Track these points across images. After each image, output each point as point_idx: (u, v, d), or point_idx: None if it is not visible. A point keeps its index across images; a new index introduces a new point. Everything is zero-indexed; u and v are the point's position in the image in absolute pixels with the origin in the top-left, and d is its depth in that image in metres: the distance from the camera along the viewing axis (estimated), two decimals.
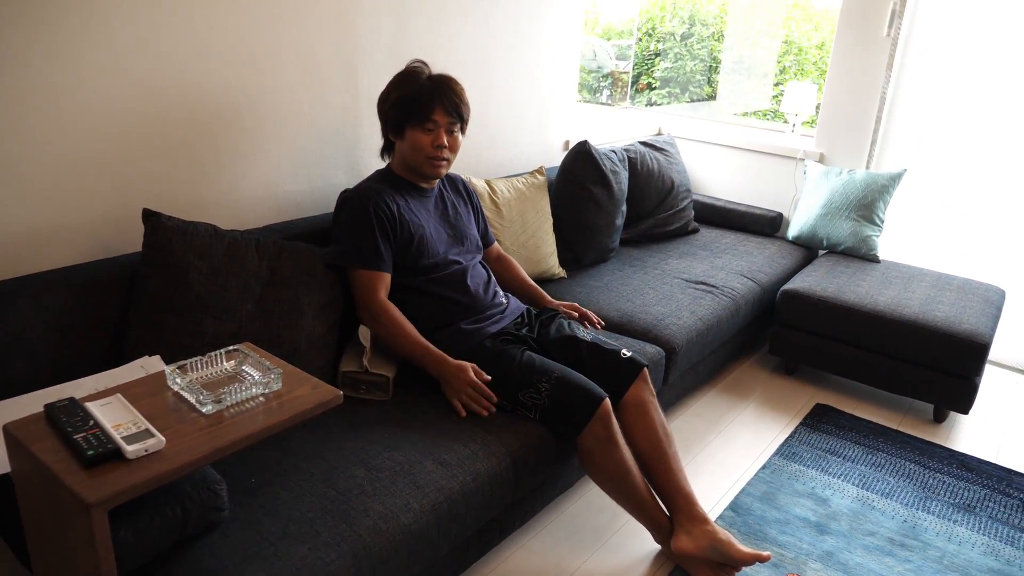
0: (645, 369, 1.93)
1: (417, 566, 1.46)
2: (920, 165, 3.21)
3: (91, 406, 1.23)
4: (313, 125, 2.16)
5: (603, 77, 5.47)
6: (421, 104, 1.85)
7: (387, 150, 2.01)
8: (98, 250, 1.74)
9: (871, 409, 2.71)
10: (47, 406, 1.23)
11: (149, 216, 1.66)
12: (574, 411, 1.75)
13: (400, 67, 2.32)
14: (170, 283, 1.63)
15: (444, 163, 1.94)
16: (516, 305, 2.08)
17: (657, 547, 1.90)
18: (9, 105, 1.51)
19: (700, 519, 1.81)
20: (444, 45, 2.50)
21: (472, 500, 1.56)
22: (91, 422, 1.19)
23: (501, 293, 2.08)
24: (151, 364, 1.55)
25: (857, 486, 2.21)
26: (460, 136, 1.94)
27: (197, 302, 1.65)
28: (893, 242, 3.29)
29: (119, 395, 1.28)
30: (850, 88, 3.22)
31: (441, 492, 1.51)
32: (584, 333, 2.01)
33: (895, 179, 3.08)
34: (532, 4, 2.84)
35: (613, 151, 2.99)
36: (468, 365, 1.79)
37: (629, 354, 1.95)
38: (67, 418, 1.20)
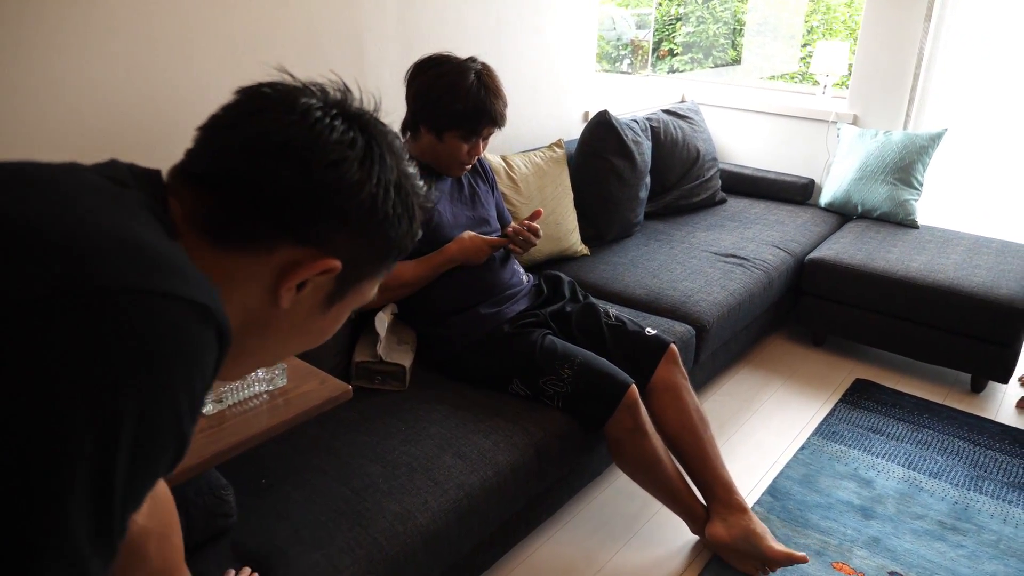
0: (672, 347, 1.82)
1: (437, 567, 1.38)
2: (961, 124, 3.03)
3: None
4: None
5: (623, 46, 5.29)
6: (475, 120, 1.74)
7: (410, 130, 1.87)
8: None
9: (913, 382, 2.58)
10: None
11: None
12: (599, 399, 1.65)
13: (409, 43, 2.23)
14: None
15: (470, 167, 1.88)
16: (531, 279, 1.99)
17: (694, 537, 1.81)
18: (9, 98, 1.43)
19: (738, 508, 1.71)
20: (454, 16, 2.38)
21: (494, 495, 1.48)
22: None
23: (520, 271, 1.99)
24: None
25: (903, 466, 2.09)
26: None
27: None
28: (933, 206, 3.12)
29: None
30: (885, 44, 3.03)
31: (461, 488, 1.42)
32: (608, 312, 1.91)
33: (935, 139, 2.91)
34: None
35: (635, 120, 2.86)
36: (473, 237, 1.80)
37: (654, 332, 1.85)
38: None
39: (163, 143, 1.73)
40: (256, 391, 1.25)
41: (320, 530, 1.27)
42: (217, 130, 0.62)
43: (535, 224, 1.85)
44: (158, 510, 0.89)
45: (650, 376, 1.80)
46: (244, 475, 1.38)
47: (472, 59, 1.78)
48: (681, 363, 1.83)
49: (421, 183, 0.69)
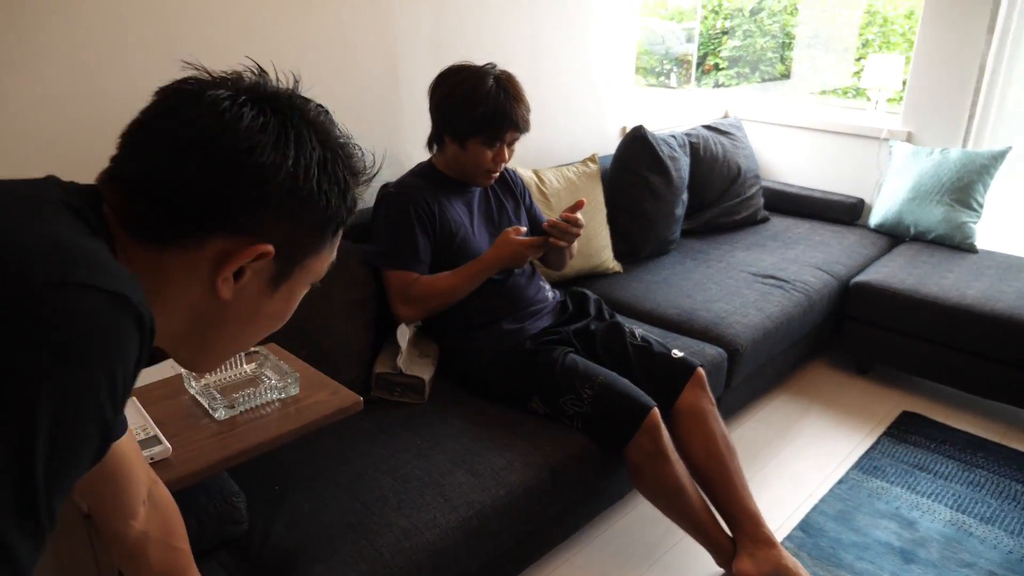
0: (700, 371, 1.76)
1: None
2: None
3: None
4: (349, 116, 2.06)
5: (668, 60, 5.22)
6: (495, 124, 1.72)
7: (436, 143, 1.87)
8: None
9: (966, 418, 2.44)
10: None
11: None
12: (618, 421, 1.60)
13: (442, 55, 2.23)
14: None
15: (497, 174, 1.84)
16: (556, 296, 1.95)
17: (719, 569, 1.73)
18: (71, 99, 1.48)
19: (766, 542, 1.64)
20: (488, 30, 2.37)
21: (506, 515, 1.44)
22: None
23: (546, 287, 1.95)
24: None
25: (951, 508, 1.97)
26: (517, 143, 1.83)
27: None
28: (994, 230, 2.96)
29: (134, 398, 1.22)
30: (943, 57, 2.91)
31: (471, 506, 1.39)
32: (634, 332, 1.86)
33: (997, 158, 2.77)
34: None
35: (672, 136, 2.80)
36: (508, 238, 1.73)
37: (680, 354, 1.79)
38: None
39: None
40: (269, 398, 1.25)
41: (326, 542, 1.26)
42: (134, 133, 0.63)
43: (575, 215, 1.73)
44: (158, 516, 0.89)
45: (675, 400, 1.74)
46: (257, 482, 1.38)
47: (491, 65, 1.77)
48: (708, 388, 1.77)
49: (358, 151, 0.69)
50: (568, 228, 1.72)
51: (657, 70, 5.12)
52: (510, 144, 1.80)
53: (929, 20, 2.91)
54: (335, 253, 0.71)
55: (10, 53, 1.42)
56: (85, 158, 1.53)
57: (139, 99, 0.66)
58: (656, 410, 1.62)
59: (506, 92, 1.72)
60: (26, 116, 1.47)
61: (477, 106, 1.70)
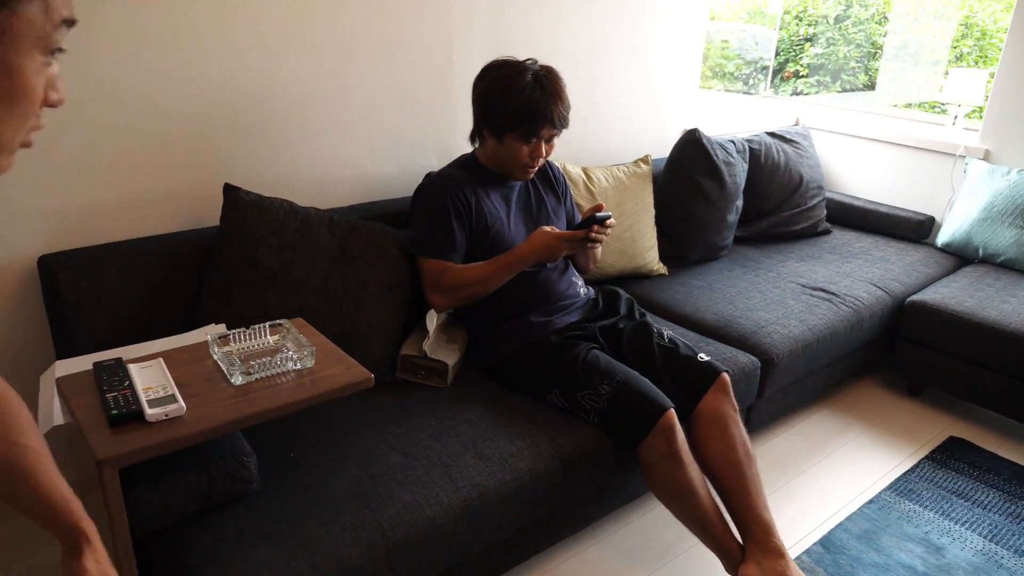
0: (725, 376, 1.75)
1: (442, 561, 1.40)
2: None
3: (132, 368, 1.28)
4: (404, 108, 2.15)
5: (746, 64, 5.11)
6: (530, 120, 1.74)
7: (477, 137, 1.92)
8: (186, 221, 1.83)
9: (1017, 448, 2.32)
10: (95, 364, 1.30)
11: (229, 190, 1.72)
12: (634, 420, 1.61)
13: (498, 51, 2.28)
14: (240, 256, 1.68)
15: (535, 169, 1.87)
16: (588, 293, 1.96)
17: None
18: (106, 83, 1.61)
19: (775, 552, 1.61)
20: (546, 27, 2.41)
21: (510, 501, 1.48)
22: (127, 383, 1.23)
23: (579, 283, 1.97)
24: (216, 332, 1.61)
25: (984, 537, 1.89)
26: (557, 139, 1.85)
27: (264, 276, 1.69)
28: None
29: (160, 360, 1.32)
30: None
31: (475, 488, 1.44)
32: (663, 333, 1.85)
33: None
34: None
35: (732, 141, 2.76)
36: (543, 232, 1.74)
37: (706, 359, 1.78)
38: (107, 377, 1.25)
39: (256, 129, 1.87)
40: (285, 368, 1.33)
41: (330, 507, 1.33)
42: None
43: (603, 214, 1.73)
44: None
45: (697, 403, 1.73)
46: (274, 447, 1.46)
47: (532, 61, 1.80)
48: (732, 394, 1.75)
49: None
50: (603, 232, 1.73)
51: (737, 75, 5.02)
52: (548, 140, 1.82)
53: (1017, 35, 2.76)
54: (54, 13, 0.58)
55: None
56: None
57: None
58: (672, 411, 1.62)
59: (543, 88, 1.75)
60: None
61: (513, 101, 1.74)
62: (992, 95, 2.88)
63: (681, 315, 2.27)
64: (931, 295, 2.48)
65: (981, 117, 2.97)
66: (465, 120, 2.19)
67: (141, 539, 1.22)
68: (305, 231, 1.75)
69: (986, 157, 2.92)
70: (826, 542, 1.85)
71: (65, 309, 1.56)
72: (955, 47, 4.56)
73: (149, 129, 1.71)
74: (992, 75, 2.90)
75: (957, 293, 2.47)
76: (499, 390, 1.77)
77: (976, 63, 4.69)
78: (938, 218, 3.05)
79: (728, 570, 1.68)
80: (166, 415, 1.16)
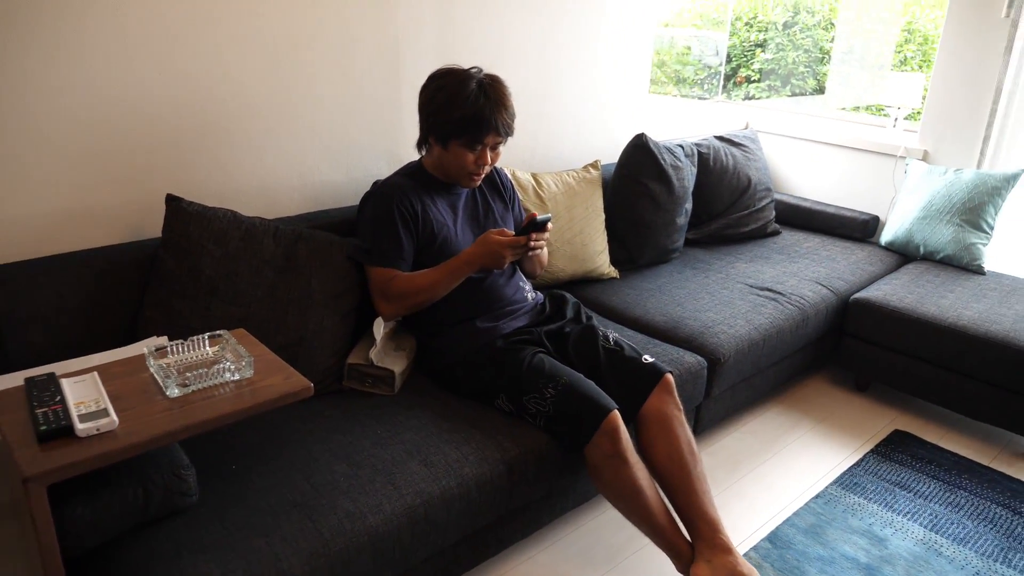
0: (668, 377, 1.78)
1: (387, 570, 1.40)
2: None
3: (65, 382, 1.26)
4: (351, 115, 2.15)
5: (700, 70, 5.20)
6: (474, 127, 1.76)
7: (424, 144, 1.92)
8: (127, 233, 1.81)
9: (958, 439, 2.39)
10: (27, 379, 1.28)
11: (171, 200, 1.71)
12: (579, 422, 1.63)
13: (446, 56, 2.29)
14: (183, 266, 1.67)
15: (481, 177, 1.88)
16: (536, 297, 1.98)
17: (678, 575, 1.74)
18: (41, 94, 1.58)
19: (723, 548, 1.64)
20: (495, 34, 2.43)
21: (455, 506, 1.48)
22: (58, 398, 1.21)
23: (526, 288, 1.99)
24: (154, 344, 1.59)
25: (925, 527, 1.94)
26: (503, 146, 1.86)
27: (207, 286, 1.67)
28: (1006, 253, 2.89)
29: (95, 373, 1.30)
30: (961, 77, 2.85)
31: (419, 495, 1.44)
32: (608, 335, 1.88)
33: (1010, 180, 2.70)
34: None
35: (680, 145, 2.81)
36: (489, 237, 1.75)
37: (650, 360, 1.80)
38: (38, 392, 1.23)
39: (200, 139, 1.85)
40: (222, 380, 1.32)
41: (271, 517, 1.32)
42: None
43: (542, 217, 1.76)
44: None
45: (642, 404, 1.76)
46: (215, 459, 1.45)
47: (477, 69, 1.81)
48: (676, 394, 1.78)
49: None
50: (541, 238, 1.76)
51: (695, 80, 5.10)
52: (493, 148, 1.84)
53: (949, 39, 2.86)
54: None
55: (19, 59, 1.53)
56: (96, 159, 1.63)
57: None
58: (616, 412, 1.64)
59: (488, 96, 1.76)
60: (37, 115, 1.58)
61: (457, 109, 1.75)
62: (928, 98, 2.98)
63: (631, 318, 2.30)
64: (874, 292, 2.55)
65: (919, 119, 3.07)
66: (413, 127, 2.20)
67: (75, 559, 1.20)
68: (249, 241, 1.74)
69: (924, 158, 3.02)
70: (773, 537, 1.89)
71: (1, 324, 1.53)
72: (899, 51, 4.69)
73: (89, 140, 1.69)
74: (928, 79, 3.00)
75: (898, 290, 2.55)
76: (446, 396, 1.78)
77: (920, 67, 4.84)
78: (882, 217, 3.14)
79: (680, 569, 1.71)
80: (97, 429, 1.15)
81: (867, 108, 4.63)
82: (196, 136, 1.86)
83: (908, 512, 2.00)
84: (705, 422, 2.23)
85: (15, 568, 1.34)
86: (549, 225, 1.76)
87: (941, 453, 2.29)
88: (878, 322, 2.47)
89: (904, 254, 2.95)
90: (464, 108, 1.75)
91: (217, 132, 1.89)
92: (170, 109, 1.79)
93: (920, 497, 2.07)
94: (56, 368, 1.38)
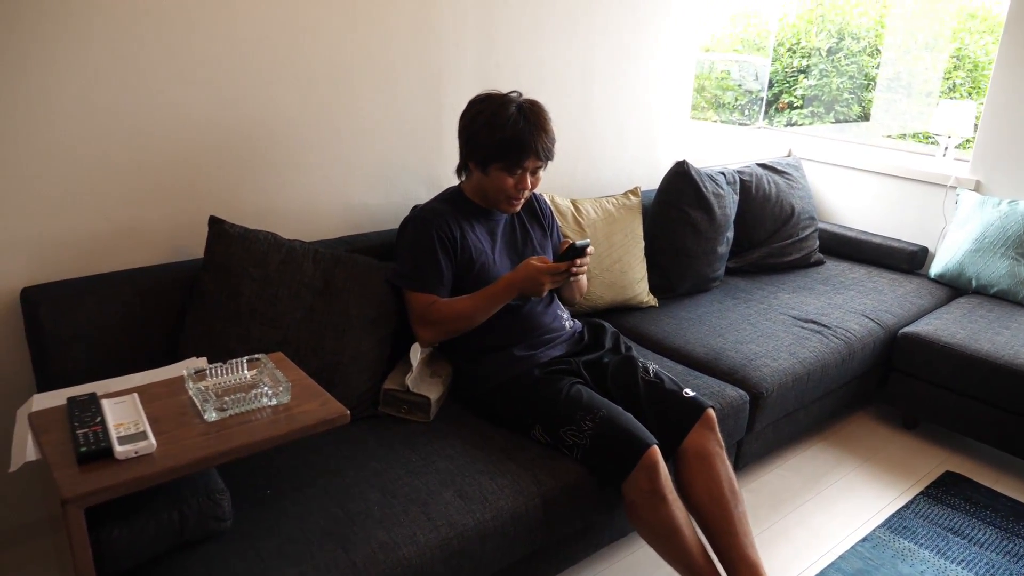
0: (710, 412, 1.73)
1: None
2: None
3: (105, 403, 1.27)
4: (392, 139, 2.16)
5: (744, 96, 5.15)
6: (514, 151, 1.75)
7: (463, 169, 1.92)
8: (170, 253, 1.83)
9: (1015, 484, 2.28)
10: (69, 399, 1.29)
11: (214, 223, 1.72)
12: (617, 456, 1.58)
13: (486, 81, 2.30)
14: (223, 289, 1.68)
15: (522, 202, 1.87)
16: (574, 326, 1.95)
17: None
18: (89, 115, 1.62)
19: None
20: (536, 59, 2.43)
21: (490, 540, 1.45)
22: (98, 419, 1.22)
23: (564, 316, 1.96)
24: (196, 365, 1.59)
25: None
26: (543, 171, 1.85)
27: (247, 308, 1.68)
28: None
29: (135, 395, 1.31)
30: (1016, 105, 2.77)
31: (453, 527, 1.41)
32: (647, 367, 1.84)
33: None
34: (639, 20, 2.70)
35: (722, 173, 2.77)
36: (529, 264, 1.72)
37: (692, 394, 1.76)
38: (80, 412, 1.24)
39: (243, 162, 1.88)
40: (259, 404, 1.31)
41: (304, 547, 1.30)
42: None
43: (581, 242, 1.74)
44: None
45: (682, 440, 1.71)
46: (250, 484, 1.44)
47: (516, 93, 1.81)
48: (718, 430, 1.73)
49: None
50: (583, 263, 1.73)
51: (735, 105, 5.05)
52: (533, 172, 1.82)
53: (1003, 66, 2.78)
54: None
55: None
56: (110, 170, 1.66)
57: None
58: (655, 448, 1.59)
59: (527, 120, 1.75)
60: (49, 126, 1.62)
61: (497, 132, 1.74)
62: (981, 127, 2.90)
63: (670, 348, 2.25)
64: (924, 327, 2.46)
65: (971, 148, 2.98)
66: (453, 151, 2.20)
67: None
68: (289, 263, 1.75)
69: (977, 188, 2.93)
70: None
71: (46, 341, 1.55)
72: (947, 78, 4.59)
73: (134, 161, 1.72)
74: (981, 106, 2.92)
75: (950, 325, 2.46)
76: (481, 425, 1.75)
77: (969, 94, 4.73)
78: (931, 248, 3.05)
79: None
80: (136, 452, 1.15)
81: (913, 136, 4.53)
82: (240, 159, 1.88)
83: (963, 560, 1.91)
84: (746, 458, 2.17)
85: None
86: (590, 250, 1.73)
87: (997, 498, 2.18)
88: (928, 358, 2.39)
89: (955, 287, 2.85)
90: (504, 131, 1.74)
91: (260, 155, 1.91)
92: (215, 133, 1.82)
93: (975, 544, 1.97)
94: (97, 387, 1.39)
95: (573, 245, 1.71)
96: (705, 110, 5.30)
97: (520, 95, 1.81)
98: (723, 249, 2.71)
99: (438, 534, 1.39)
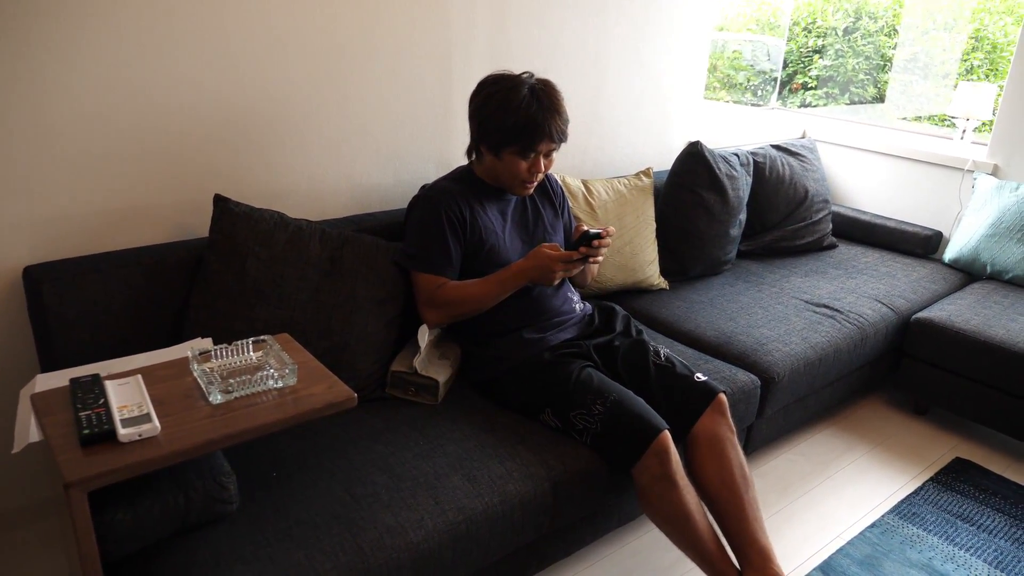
0: (722, 397, 1.70)
1: None
2: None
3: (109, 385, 1.25)
4: (401, 118, 2.12)
5: (757, 76, 5.06)
6: (527, 134, 1.70)
7: (474, 152, 1.87)
8: (175, 232, 1.80)
9: None
10: (72, 380, 1.27)
11: (219, 201, 1.69)
12: (627, 441, 1.56)
13: (498, 60, 2.25)
14: (228, 268, 1.65)
15: (535, 185, 1.83)
16: (585, 308, 1.92)
17: None
18: (93, 92, 1.59)
19: None
20: (548, 39, 2.38)
21: (498, 524, 1.44)
22: (101, 400, 1.20)
23: (575, 299, 1.93)
24: (201, 346, 1.57)
25: (990, 564, 1.83)
26: (556, 152, 1.81)
27: (252, 288, 1.66)
28: None
29: (139, 376, 1.29)
30: None
31: (461, 511, 1.39)
32: (659, 351, 1.81)
33: None
34: None
35: (735, 154, 2.72)
36: (541, 252, 1.70)
37: (703, 378, 1.73)
38: (83, 394, 1.22)
39: (250, 139, 1.85)
40: (265, 387, 1.29)
41: (311, 530, 1.29)
42: None
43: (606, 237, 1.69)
44: None
45: (693, 424, 1.69)
46: (256, 467, 1.43)
47: (528, 74, 1.76)
48: (729, 414, 1.71)
49: None
50: (598, 250, 1.69)
51: (747, 86, 4.97)
52: (546, 155, 1.78)
53: None
54: None
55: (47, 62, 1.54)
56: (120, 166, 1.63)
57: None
58: (666, 433, 1.57)
59: (540, 102, 1.71)
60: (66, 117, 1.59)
61: (510, 116, 1.70)
62: (1000, 109, 2.83)
63: (681, 331, 2.23)
64: (937, 312, 2.43)
65: (990, 131, 2.92)
66: (463, 131, 2.16)
67: (114, 563, 1.19)
68: (296, 243, 1.72)
69: (994, 172, 2.87)
70: (826, 567, 1.80)
71: (49, 321, 1.53)
72: (965, 60, 4.50)
73: (138, 139, 1.69)
74: (1001, 88, 2.85)
75: (964, 311, 2.42)
76: (490, 408, 1.73)
77: (987, 76, 4.64)
78: (946, 233, 3.00)
79: None
80: (139, 435, 1.13)
81: (929, 118, 4.46)
82: (246, 136, 1.85)
83: (971, 547, 1.89)
84: (756, 442, 2.15)
85: (58, 562, 1.34)
86: (611, 229, 1.68)
87: (1007, 485, 2.16)
88: (941, 344, 2.35)
89: (969, 273, 2.81)
90: (517, 115, 1.69)
91: (267, 132, 1.88)
92: (221, 109, 1.78)
93: (984, 531, 1.95)
94: (101, 368, 1.37)
95: (587, 233, 1.67)
96: (717, 90, 5.22)
97: (532, 76, 1.77)
98: (735, 232, 2.67)
99: (446, 518, 1.37)
